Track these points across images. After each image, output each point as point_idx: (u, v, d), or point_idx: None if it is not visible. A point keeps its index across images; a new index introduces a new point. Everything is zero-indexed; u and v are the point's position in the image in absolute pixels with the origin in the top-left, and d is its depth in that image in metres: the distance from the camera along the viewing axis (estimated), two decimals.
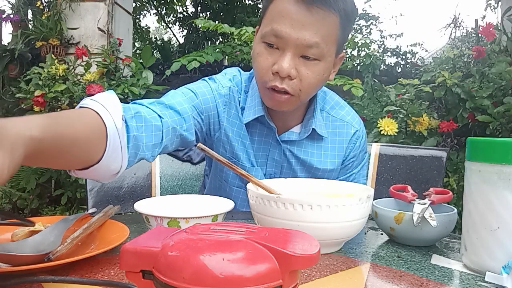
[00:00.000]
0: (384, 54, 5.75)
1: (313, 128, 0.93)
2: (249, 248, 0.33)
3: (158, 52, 6.09)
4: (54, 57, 2.74)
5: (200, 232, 0.36)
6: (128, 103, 0.78)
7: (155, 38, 7.32)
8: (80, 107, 0.64)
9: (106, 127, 0.62)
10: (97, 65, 2.71)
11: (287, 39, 0.78)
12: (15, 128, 0.44)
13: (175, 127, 0.82)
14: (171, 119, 0.81)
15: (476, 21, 2.85)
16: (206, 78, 0.97)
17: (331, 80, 0.89)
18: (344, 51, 0.91)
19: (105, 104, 0.64)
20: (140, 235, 0.38)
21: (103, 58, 2.75)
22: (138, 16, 6.84)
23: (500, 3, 2.88)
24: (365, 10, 6.54)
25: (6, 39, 3.42)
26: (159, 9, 6.94)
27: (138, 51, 6.01)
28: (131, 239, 0.37)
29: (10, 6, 3.28)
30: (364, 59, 3.17)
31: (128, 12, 3.52)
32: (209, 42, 6.16)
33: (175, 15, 7.03)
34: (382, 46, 5.99)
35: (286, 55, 0.79)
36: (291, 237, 0.37)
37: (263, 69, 0.83)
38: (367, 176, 1.29)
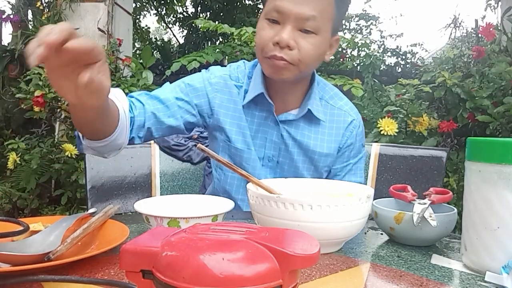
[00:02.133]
0: (384, 54, 5.74)
1: (308, 109, 0.97)
2: (249, 248, 0.33)
3: (158, 52, 6.09)
4: None
5: (200, 232, 0.36)
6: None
7: (155, 38, 7.32)
8: None
9: (118, 112, 0.81)
10: None
11: (288, 14, 0.86)
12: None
13: (155, 113, 0.94)
14: (153, 106, 0.94)
15: (476, 21, 2.85)
16: (204, 69, 1.06)
17: (327, 60, 0.98)
18: (339, 35, 0.99)
19: (117, 96, 0.85)
20: (140, 235, 0.38)
21: None
22: (138, 17, 6.83)
23: (500, 3, 2.88)
24: (365, 10, 6.53)
25: (6, 39, 3.42)
26: (159, 9, 6.94)
27: (138, 51, 6.01)
28: (131, 239, 0.38)
29: (10, 6, 3.28)
30: (364, 59, 3.17)
31: (128, 13, 3.52)
32: (209, 42, 6.15)
33: (175, 16, 7.03)
34: (382, 46, 5.98)
35: (286, 27, 0.87)
36: (291, 237, 0.37)
37: (264, 40, 0.90)
38: (367, 176, 1.29)
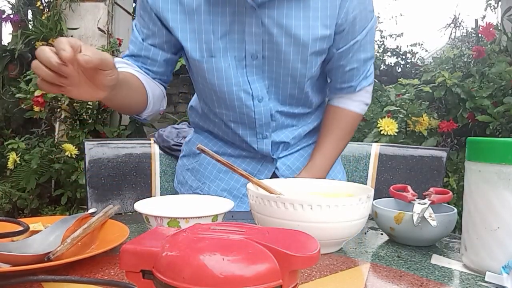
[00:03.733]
0: (384, 54, 5.73)
1: None
2: (249, 248, 0.33)
3: None
4: None
5: (200, 232, 0.36)
6: None
7: None
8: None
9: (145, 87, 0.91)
10: None
11: None
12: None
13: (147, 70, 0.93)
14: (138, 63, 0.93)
15: (476, 21, 2.85)
16: None
17: None
18: None
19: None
20: (140, 235, 0.38)
21: None
22: None
23: (500, 3, 2.88)
24: None
25: (6, 39, 3.42)
26: None
27: None
28: (131, 239, 0.37)
29: (10, 6, 3.28)
30: None
31: (128, 12, 3.52)
32: None
33: None
34: (382, 46, 5.98)
35: None
36: (291, 237, 0.37)
37: None
38: (367, 176, 1.29)
